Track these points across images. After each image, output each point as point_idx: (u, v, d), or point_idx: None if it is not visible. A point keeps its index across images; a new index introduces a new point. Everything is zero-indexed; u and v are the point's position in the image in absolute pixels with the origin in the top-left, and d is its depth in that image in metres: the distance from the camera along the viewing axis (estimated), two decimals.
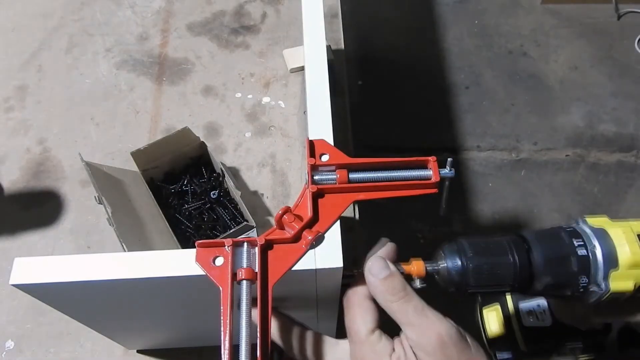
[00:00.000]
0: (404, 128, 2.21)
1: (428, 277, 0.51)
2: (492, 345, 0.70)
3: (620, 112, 2.24)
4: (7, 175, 0.95)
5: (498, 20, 2.52)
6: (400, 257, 0.51)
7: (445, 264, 0.50)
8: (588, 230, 0.50)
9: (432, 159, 0.52)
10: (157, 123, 1.01)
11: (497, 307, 0.72)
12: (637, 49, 2.40)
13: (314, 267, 0.47)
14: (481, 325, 0.71)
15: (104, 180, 0.79)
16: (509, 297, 0.72)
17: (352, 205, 0.88)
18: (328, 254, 0.47)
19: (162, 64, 1.10)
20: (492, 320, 0.70)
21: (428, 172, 0.52)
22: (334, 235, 0.49)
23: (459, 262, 0.49)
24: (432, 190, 0.52)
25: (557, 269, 0.48)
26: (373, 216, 1.30)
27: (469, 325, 0.66)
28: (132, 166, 0.86)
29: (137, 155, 0.84)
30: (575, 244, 0.49)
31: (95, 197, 0.79)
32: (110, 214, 0.72)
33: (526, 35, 2.47)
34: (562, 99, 2.28)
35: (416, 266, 0.50)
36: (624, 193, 2.06)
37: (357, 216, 0.88)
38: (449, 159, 0.52)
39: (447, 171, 0.52)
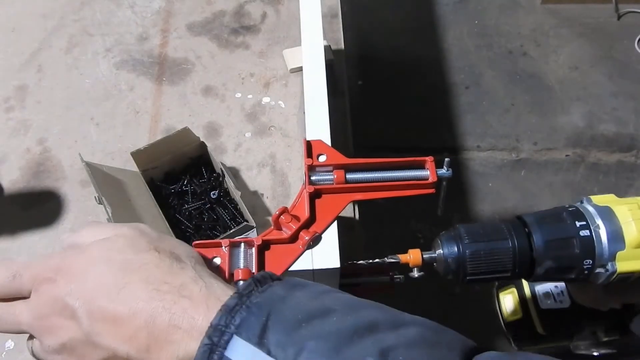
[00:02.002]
0: (404, 128, 2.21)
1: (427, 266, 0.50)
2: (509, 328, 0.68)
3: (620, 112, 2.24)
4: (7, 175, 0.95)
5: (498, 20, 2.52)
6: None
7: (442, 251, 0.49)
8: (591, 209, 0.48)
9: (429, 159, 0.52)
10: (157, 123, 1.02)
11: (513, 290, 0.70)
12: (637, 49, 2.40)
13: (311, 268, 0.47)
14: (498, 309, 0.71)
15: (104, 181, 0.79)
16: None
17: (352, 205, 0.88)
18: (325, 254, 0.48)
19: (162, 64, 1.10)
20: (509, 303, 0.69)
21: (425, 172, 0.52)
22: (331, 235, 0.49)
23: (456, 249, 0.48)
24: (429, 190, 0.53)
25: (558, 252, 0.47)
26: (373, 216, 1.31)
27: (487, 308, 0.65)
28: (132, 166, 0.86)
29: (137, 155, 0.84)
30: (578, 225, 0.47)
31: (95, 197, 0.79)
32: (110, 214, 0.72)
33: (526, 35, 2.47)
34: (562, 99, 2.28)
35: (413, 255, 0.49)
36: (624, 193, 2.05)
37: (357, 216, 0.88)
38: (446, 159, 0.52)
39: (444, 171, 0.52)
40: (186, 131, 0.86)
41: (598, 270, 0.47)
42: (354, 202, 0.85)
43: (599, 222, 0.47)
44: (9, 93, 1.05)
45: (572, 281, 0.49)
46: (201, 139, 0.89)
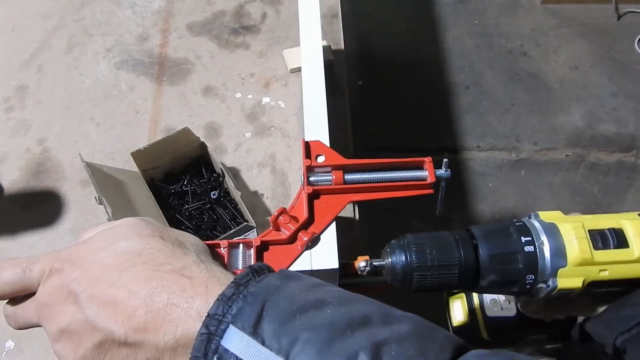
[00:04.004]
0: (404, 128, 2.21)
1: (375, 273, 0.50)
2: (456, 332, 0.69)
3: (620, 112, 2.25)
4: (7, 175, 0.95)
5: (498, 20, 2.52)
6: None
7: (390, 260, 0.49)
8: (537, 225, 0.49)
9: (427, 160, 0.53)
10: (157, 123, 1.02)
11: (462, 296, 0.71)
12: (637, 49, 2.40)
13: (310, 268, 0.47)
14: (447, 313, 0.71)
15: (104, 181, 0.79)
16: None
17: (352, 205, 0.88)
18: (324, 255, 0.48)
19: (162, 64, 1.10)
20: (457, 309, 0.69)
21: (424, 173, 0.52)
22: (330, 236, 0.49)
23: (403, 258, 0.48)
24: (427, 190, 0.53)
25: (502, 266, 0.47)
26: (373, 216, 1.31)
27: (439, 314, 0.66)
28: (132, 166, 0.86)
29: (137, 155, 0.85)
30: (523, 240, 0.48)
31: (95, 197, 0.80)
32: (110, 215, 0.73)
33: (526, 35, 2.47)
34: (562, 99, 2.28)
35: (362, 262, 0.49)
36: (624, 193, 2.06)
37: (357, 216, 0.89)
38: (445, 160, 0.52)
39: (442, 172, 0.53)
40: (186, 131, 0.86)
41: (540, 285, 0.48)
42: (354, 203, 0.85)
43: (544, 238, 0.48)
44: (9, 93, 1.06)
45: (515, 294, 0.49)
46: (201, 139, 0.89)
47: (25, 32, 1.15)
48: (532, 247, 0.47)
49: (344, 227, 0.87)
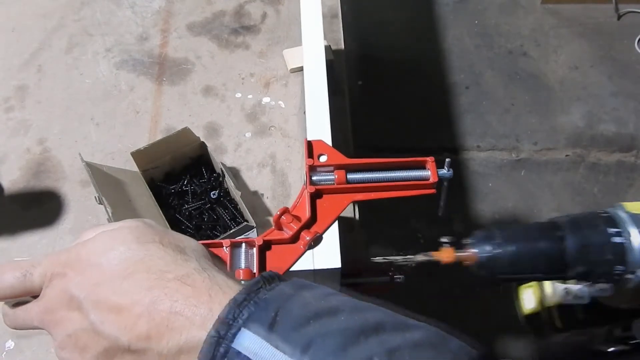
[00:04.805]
0: (404, 128, 2.21)
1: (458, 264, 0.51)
2: (529, 321, 0.69)
3: (620, 112, 2.24)
4: (7, 175, 0.95)
5: (498, 20, 2.52)
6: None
7: (475, 250, 0.50)
8: (625, 216, 0.48)
9: (430, 160, 0.52)
10: (157, 123, 1.02)
11: (533, 285, 0.71)
12: (637, 49, 2.40)
13: (312, 268, 0.47)
14: (517, 303, 0.71)
15: (104, 181, 0.79)
16: None
17: (352, 205, 0.88)
18: (326, 254, 0.48)
19: (162, 64, 1.10)
20: (528, 297, 0.69)
21: (426, 173, 0.52)
22: (332, 235, 0.49)
23: (488, 249, 0.49)
24: (430, 190, 0.53)
25: (590, 257, 0.47)
26: (373, 216, 1.30)
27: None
28: (132, 166, 0.86)
29: (137, 155, 0.84)
30: (611, 231, 0.47)
31: (95, 197, 0.79)
32: (110, 214, 0.72)
33: (526, 35, 2.47)
34: (562, 99, 2.28)
35: (446, 253, 0.50)
36: (624, 193, 2.06)
37: (357, 216, 0.88)
38: (447, 160, 0.52)
39: (445, 172, 0.52)
40: (186, 131, 0.86)
41: (628, 276, 0.48)
42: (354, 202, 0.85)
43: (632, 229, 0.47)
44: (9, 93, 1.05)
45: (601, 283, 0.49)
46: (201, 139, 0.89)
47: (25, 32, 1.14)
48: (620, 238, 0.47)
49: (344, 227, 0.87)
